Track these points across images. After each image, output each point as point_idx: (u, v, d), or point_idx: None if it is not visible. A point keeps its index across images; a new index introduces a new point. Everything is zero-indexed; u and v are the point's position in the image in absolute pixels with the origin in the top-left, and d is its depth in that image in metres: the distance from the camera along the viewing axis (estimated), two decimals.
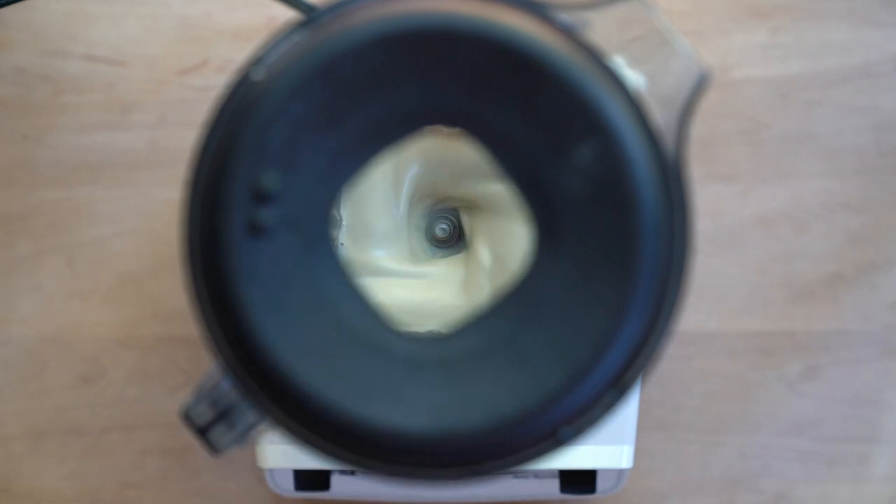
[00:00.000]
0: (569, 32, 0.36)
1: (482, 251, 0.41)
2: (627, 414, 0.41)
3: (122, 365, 0.49)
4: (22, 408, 0.49)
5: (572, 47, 0.36)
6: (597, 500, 0.48)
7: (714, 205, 0.49)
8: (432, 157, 0.41)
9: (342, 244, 0.41)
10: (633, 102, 0.36)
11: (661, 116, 0.36)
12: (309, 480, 0.44)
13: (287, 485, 0.44)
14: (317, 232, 0.35)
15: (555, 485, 0.43)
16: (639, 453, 0.47)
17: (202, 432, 0.36)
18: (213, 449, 0.36)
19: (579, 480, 0.43)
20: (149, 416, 0.49)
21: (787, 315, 0.48)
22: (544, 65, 0.35)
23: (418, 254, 0.42)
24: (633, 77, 0.37)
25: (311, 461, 0.42)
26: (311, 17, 0.37)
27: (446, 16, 0.35)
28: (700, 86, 0.37)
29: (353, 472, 0.43)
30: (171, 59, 0.49)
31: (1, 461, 0.49)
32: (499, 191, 0.40)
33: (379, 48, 0.35)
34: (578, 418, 0.36)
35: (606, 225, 0.35)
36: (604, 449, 0.41)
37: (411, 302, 0.40)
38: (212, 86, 0.49)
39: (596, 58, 0.36)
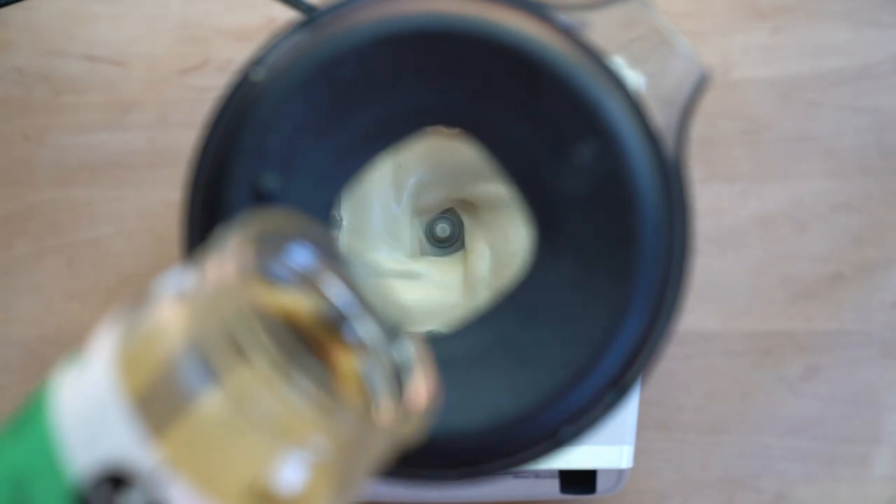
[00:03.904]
0: (569, 32, 0.36)
1: (482, 251, 0.41)
2: (627, 414, 0.41)
3: None
4: None
5: (572, 47, 0.36)
6: (597, 500, 0.48)
7: (714, 205, 0.49)
8: (432, 157, 0.41)
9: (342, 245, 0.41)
10: (633, 102, 0.36)
11: (661, 116, 0.36)
12: None
13: None
14: None
15: (555, 485, 0.43)
16: (639, 453, 0.47)
17: None
18: None
19: (579, 480, 0.43)
20: None
21: (787, 315, 0.48)
22: (544, 65, 0.35)
23: (418, 254, 0.42)
24: (633, 77, 0.37)
25: None
26: (311, 18, 0.37)
27: (446, 16, 0.35)
28: (700, 86, 0.37)
29: None
30: (171, 59, 0.49)
31: None
32: (499, 191, 0.40)
33: (379, 49, 0.35)
34: (578, 418, 0.36)
35: (606, 225, 0.35)
36: (604, 449, 0.41)
37: (411, 302, 0.40)
38: (212, 86, 0.49)
39: (596, 58, 0.36)
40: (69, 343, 0.49)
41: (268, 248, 0.29)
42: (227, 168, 0.35)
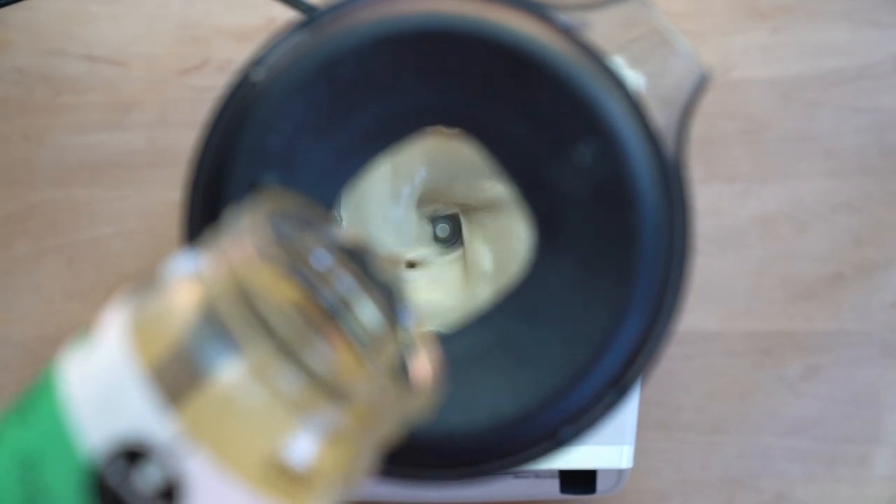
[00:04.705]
0: (569, 32, 0.36)
1: (482, 251, 0.41)
2: (627, 414, 0.41)
3: None
4: None
5: (572, 47, 0.36)
6: (597, 500, 0.48)
7: (714, 205, 0.49)
8: (432, 157, 0.41)
9: None
10: (633, 102, 0.36)
11: (661, 116, 0.37)
12: None
13: None
14: None
15: (555, 485, 0.43)
16: (639, 453, 0.47)
17: None
18: None
19: (579, 480, 0.43)
20: None
21: (787, 315, 0.48)
22: (544, 65, 0.35)
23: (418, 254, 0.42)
24: (633, 77, 0.37)
25: None
26: (311, 18, 0.37)
27: (446, 16, 0.35)
28: (700, 86, 0.37)
29: None
30: (171, 59, 0.49)
31: None
32: (499, 191, 0.40)
33: (379, 48, 0.35)
34: (578, 418, 0.36)
35: (606, 225, 0.35)
36: (604, 449, 0.41)
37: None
38: (212, 86, 0.49)
39: (596, 58, 0.36)
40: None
41: (278, 228, 0.29)
42: (227, 168, 0.35)
